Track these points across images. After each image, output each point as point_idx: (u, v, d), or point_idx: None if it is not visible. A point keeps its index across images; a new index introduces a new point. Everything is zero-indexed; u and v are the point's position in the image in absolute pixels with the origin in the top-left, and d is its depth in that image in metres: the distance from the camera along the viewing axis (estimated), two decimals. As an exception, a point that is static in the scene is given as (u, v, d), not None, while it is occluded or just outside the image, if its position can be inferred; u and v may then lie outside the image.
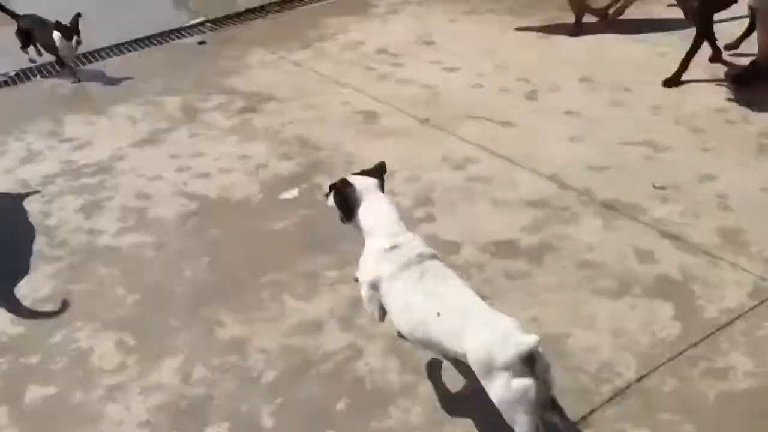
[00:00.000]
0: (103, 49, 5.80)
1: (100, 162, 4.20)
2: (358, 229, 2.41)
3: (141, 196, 3.85)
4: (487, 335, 1.98)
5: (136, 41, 5.93)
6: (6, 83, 5.37)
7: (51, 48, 5.14)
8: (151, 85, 5.09)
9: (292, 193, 3.74)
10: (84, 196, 3.89)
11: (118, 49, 5.83)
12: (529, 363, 1.90)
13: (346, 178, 2.46)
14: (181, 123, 4.59)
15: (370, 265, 2.32)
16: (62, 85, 5.29)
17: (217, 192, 3.82)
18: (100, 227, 3.62)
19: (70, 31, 4.98)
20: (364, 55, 5.28)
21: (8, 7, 5.34)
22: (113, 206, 3.79)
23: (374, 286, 2.29)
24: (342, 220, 2.48)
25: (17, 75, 5.45)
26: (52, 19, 5.05)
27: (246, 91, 4.91)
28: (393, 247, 2.27)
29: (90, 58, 5.69)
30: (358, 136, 4.23)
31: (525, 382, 1.91)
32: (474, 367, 2.00)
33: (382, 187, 2.46)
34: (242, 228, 3.52)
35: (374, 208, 2.39)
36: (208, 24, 6.19)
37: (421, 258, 2.24)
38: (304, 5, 6.44)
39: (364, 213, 2.38)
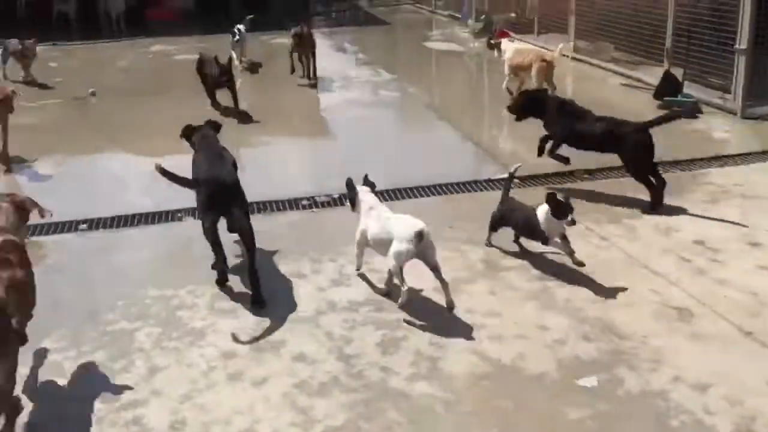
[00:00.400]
0: (416, 187, 6.19)
1: (402, 299, 4.36)
2: (358, 213, 4.50)
3: (435, 344, 3.88)
4: (402, 226, 4.07)
5: (443, 185, 6.25)
6: (329, 204, 5.91)
7: (529, 229, 4.66)
8: (456, 233, 5.26)
9: (591, 381, 3.52)
10: (383, 331, 4.03)
11: (427, 190, 6.18)
12: (419, 237, 3.94)
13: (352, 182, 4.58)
14: (481, 276, 4.64)
15: (361, 222, 4.44)
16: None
17: (511, 359, 3.73)
18: (394, 367, 3.70)
19: (565, 210, 4.39)
20: (679, 242, 4.99)
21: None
22: (408, 348, 3.86)
23: (362, 233, 4.41)
24: (351, 209, 4.60)
25: (340, 197, 5.98)
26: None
27: (548, 256, 4.85)
28: (370, 209, 4.39)
29: (399, 194, 6.10)
30: (669, 333, 3.92)
31: (409, 246, 3.99)
32: (396, 247, 4.04)
33: (372, 191, 4.56)
34: (535, 406, 3.37)
35: (364, 200, 4.47)
36: (516, 180, 6.34)
37: (380, 212, 4.35)
38: (614, 177, 6.34)
39: (360, 204, 4.48)
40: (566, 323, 4.04)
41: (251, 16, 11.45)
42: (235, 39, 10.90)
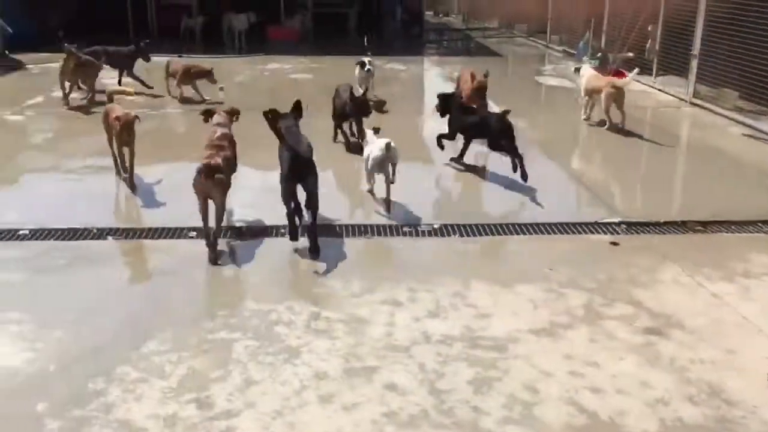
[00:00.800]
0: (517, 224, 6.10)
1: (496, 338, 4.27)
2: (365, 144, 6.70)
3: (529, 389, 3.78)
4: (378, 143, 6.23)
5: (544, 225, 6.11)
6: (430, 233, 5.90)
7: None
8: (556, 275, 5.13)
9: (695, 448, 3.34)
10: (476, 368, 3.96)
11: (528, 228, 6.05)
12: (387, 149, 6.09)
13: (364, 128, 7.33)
14: (581, 323, 4.49)
15: (365, 150, 6.56)
16: (472, 244, 5.66)
17: (609, 414, 3.58)
18: (485, 408, 3.62)
19: None
20: (800, 309, 4.68)
21: None
22: (501, 389, 3.78)
23: (366, 158, 6.44)
24: (361, 141, 7.39)
25: (441, 228, 5.95)
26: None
27: (653, 309, 4.65)
28: (373, 144, 6.38)
29: (499, 229, 6.02)
30: (784, 406, 3.66)
31: (381, 154, 6.14)
32: (373, 154, 6.28)
33: (376, 132, 6.58)
34: (632, 468, 3.21)
35: (370, 139, 6.55)
36: (623, 225, 6.13)
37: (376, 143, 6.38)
38: (729, 232, 6.04)
39: (368, 143, 6.59)
40: (670, 382, 3.85)
41: (369, 55, 11.06)
42: (366, 69, 10.56)
